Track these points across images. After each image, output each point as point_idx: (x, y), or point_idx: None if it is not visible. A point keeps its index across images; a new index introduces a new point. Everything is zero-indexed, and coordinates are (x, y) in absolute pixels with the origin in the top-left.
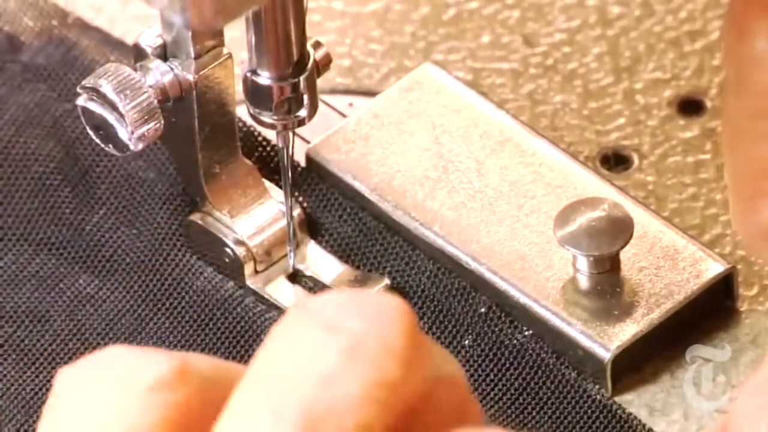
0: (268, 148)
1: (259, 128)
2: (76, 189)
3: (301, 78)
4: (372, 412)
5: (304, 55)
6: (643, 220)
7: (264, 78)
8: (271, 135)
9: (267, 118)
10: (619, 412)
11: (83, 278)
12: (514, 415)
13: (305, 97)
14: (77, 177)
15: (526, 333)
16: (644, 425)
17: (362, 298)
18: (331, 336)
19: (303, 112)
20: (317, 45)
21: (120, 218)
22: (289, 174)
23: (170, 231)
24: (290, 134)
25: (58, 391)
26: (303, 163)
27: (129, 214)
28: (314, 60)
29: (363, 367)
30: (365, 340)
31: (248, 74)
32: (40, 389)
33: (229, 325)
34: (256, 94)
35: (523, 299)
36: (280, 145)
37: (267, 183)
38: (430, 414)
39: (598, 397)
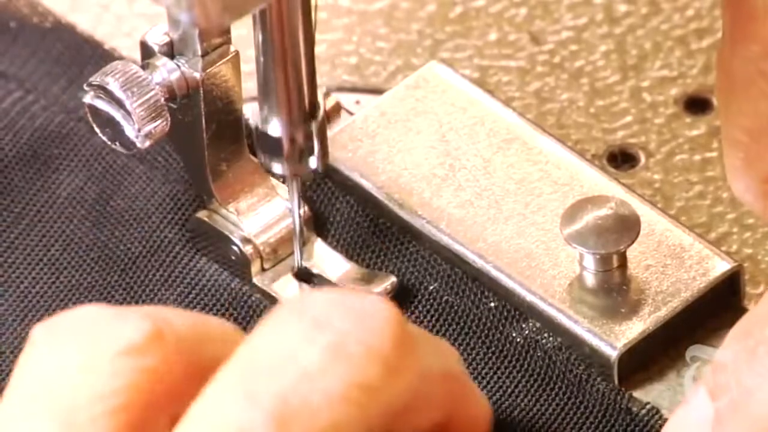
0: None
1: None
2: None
3: (313, 125)
4: (348, 412)
5: (314, 105)
6: (649, 218)
7: (274, 128)
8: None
9: (278, 168)
10: (629, 405)
11: (86, 274)
12: (520, 412)
13: (316, 145)
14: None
15: (533, 330)
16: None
17: (352, 298)
18: (317, 332)
19: (313, 162)
20: (327, 95)
21: (125, 216)
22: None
23: (177, 228)
24: (298, 181)
25: (29, 346)
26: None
27: (134, 211)
28: (324, 110)
29: (345, 366)
30: (350, 340)
31: (258, 125)
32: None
33: (234, 322)
34: (265, 144)
35: (529, 297)
36: (289, 195)
37: (274, 181)
38: (420, 411)
39: (607, 392)
